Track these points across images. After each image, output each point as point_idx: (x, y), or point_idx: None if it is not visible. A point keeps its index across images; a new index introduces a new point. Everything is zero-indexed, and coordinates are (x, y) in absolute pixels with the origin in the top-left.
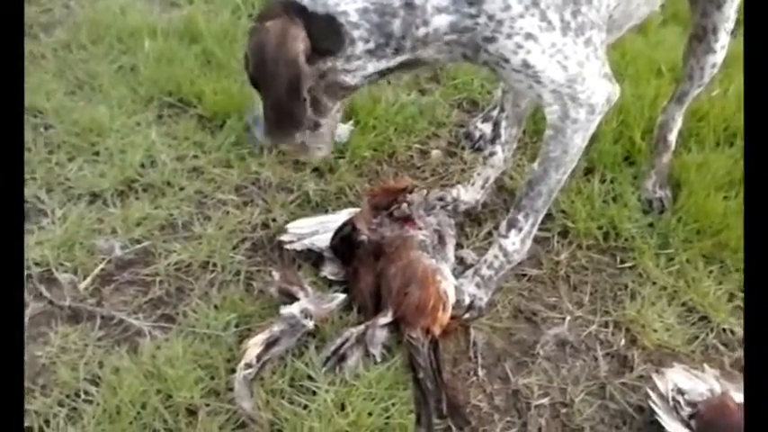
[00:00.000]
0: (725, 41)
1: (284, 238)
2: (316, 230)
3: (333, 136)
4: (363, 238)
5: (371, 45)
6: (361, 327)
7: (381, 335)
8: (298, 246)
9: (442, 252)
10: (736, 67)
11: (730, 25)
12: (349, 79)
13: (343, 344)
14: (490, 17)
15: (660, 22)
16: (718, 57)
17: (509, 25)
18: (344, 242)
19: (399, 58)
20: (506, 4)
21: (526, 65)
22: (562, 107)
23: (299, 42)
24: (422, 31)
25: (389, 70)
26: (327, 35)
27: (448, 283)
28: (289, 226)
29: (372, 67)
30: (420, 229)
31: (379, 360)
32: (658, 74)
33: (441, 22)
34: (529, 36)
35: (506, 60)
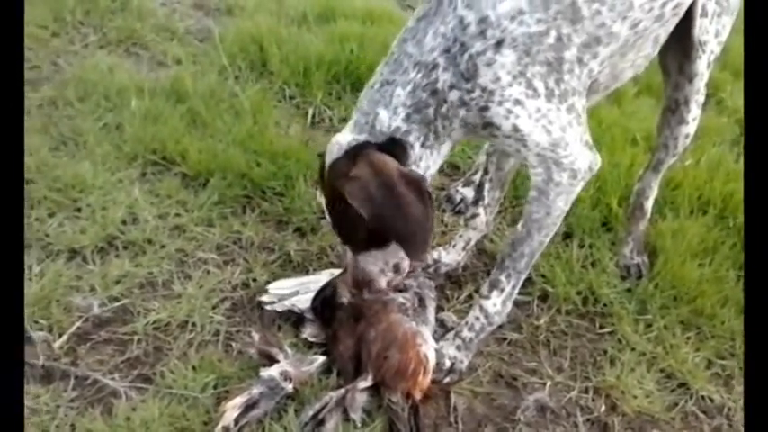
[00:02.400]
0: (696, 113)
1: (265, 298)
2: (296, 291)
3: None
4: (344, 300)
5: (422, 138)
6: (341, 390)
7: (361, 399)
8: (278, 306)
9: (423, 315)
10: (708, 139)
11: (701, 98)
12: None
13: (322, 408)
14: (483, 89)
15: (634, 93)
16: (691, 128)
17: (499, 94)
18: (325, 304)
19: (444, 149)
20: (496, 77)
21: (515, 129)
22: (546, 170)
23: (389, 161)
24: (444, 108)
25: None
26: (395, 152)
27: (428, 347)
28: (269, 286)
29: (433, 163)
30: (400, 291)
31: (359, 425)
32: (633, 143)
33: (453, 96)
34: (517, 102)
35: (498, 127)
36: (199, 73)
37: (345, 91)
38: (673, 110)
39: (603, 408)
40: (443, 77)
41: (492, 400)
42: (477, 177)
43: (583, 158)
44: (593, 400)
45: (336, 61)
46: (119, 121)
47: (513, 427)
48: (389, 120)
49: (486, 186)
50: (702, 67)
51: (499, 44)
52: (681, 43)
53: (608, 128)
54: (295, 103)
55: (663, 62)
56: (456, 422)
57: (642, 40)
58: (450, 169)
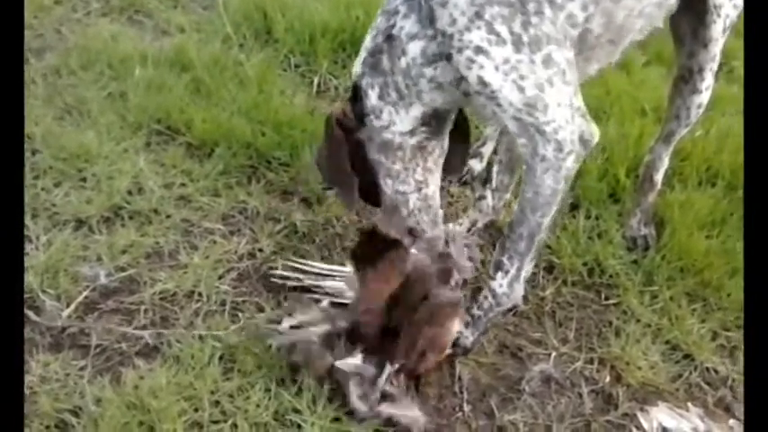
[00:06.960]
0: (710, 82)
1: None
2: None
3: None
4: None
5: (378, 89)
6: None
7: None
8: (291, 281)
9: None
10: (718, 109)
11: (715, 66)
12: (389, 135)
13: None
14: (443, 33)
15: (644, 62)
16: (704, 97)
17: (458, 39)
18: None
19: (413, 110)
20: (452, 18)
21: (482, 83)
22: (530, 141)
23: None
24: (403, 62)
25: (418, 127)
26: (357, 101)
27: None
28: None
29: (400, 121)
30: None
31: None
32: (642, 113)
33: (415, 49)
34: (479, 50)
35: (466, 80)
36: (202, 41)
37: (351, 59)
38: (686, 79)
39: (608, 379)
40: (401, 24)
41: (497, 370)
42: (484, 150)
43: (569, 127)
44: (597, 371)
45: (342, 29)
46: (123, 90)
47: (517, 397)
48: (357, 65)
49: (495, 168)
50: (717, 32)
51: None
52: (694, 8)
53: (616, 98)
54: (300, 71)
55: (675, 29)
56: (461, 392)
57: None
58: None
